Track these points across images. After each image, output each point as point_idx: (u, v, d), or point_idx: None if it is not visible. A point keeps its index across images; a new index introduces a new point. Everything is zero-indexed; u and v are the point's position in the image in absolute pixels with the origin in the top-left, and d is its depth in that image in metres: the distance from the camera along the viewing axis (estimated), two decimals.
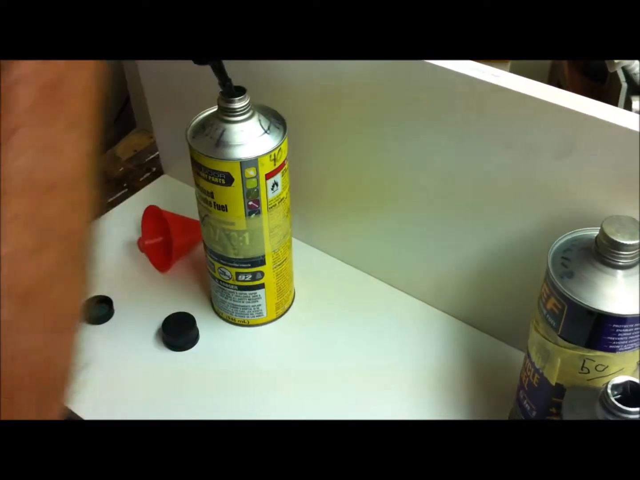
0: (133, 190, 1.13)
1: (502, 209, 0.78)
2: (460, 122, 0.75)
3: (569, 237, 0.67)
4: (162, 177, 1.14)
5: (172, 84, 0.99)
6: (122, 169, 1.18)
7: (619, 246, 0.61)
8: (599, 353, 0.63)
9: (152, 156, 1.20)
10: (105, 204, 1.10)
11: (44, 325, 0.40)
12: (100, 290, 0.93)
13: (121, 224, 1.05)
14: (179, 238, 0.96)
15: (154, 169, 1.17)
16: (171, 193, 1.10)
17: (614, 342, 0.62)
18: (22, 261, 0.39)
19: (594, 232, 0.65)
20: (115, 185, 1.15)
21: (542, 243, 0.69)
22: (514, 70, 1.71)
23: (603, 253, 0.62)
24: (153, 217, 0.98)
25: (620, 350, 0.62)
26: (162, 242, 1.00)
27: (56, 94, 0.41)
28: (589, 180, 0.70)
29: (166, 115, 1.07)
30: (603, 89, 1.47)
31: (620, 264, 0.62)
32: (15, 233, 0.39)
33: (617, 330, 0.61)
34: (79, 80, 0.42)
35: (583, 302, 0.61)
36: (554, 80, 1.72)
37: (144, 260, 0.99)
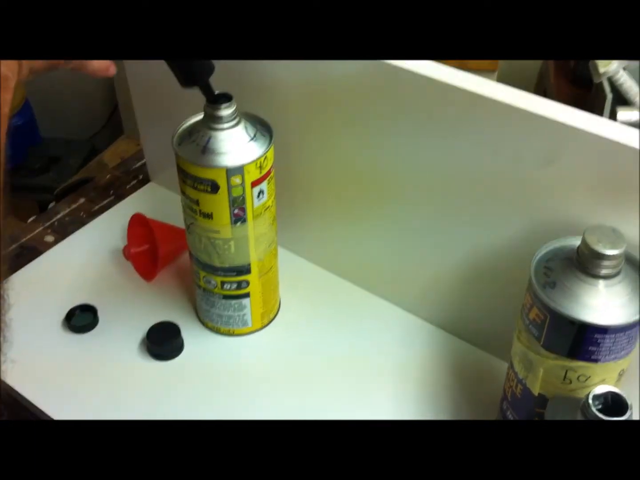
0: (120, 197, 1.12)
1: (485, 217, 0.78)
2: (447, 130, 0.76)
3: (552, 246, 0.67)
4: (148, 184, 1.14)
5: (159, 91, 0.99)
6: (108, 176, 1.18)
7: (600, 256, 0.62)
8: (581, 363, 0.63)
9: (139, 164, 1.19)
10: (92, 211, 1.10)
11: None
12: (85, 298, 0.93)
13: (107, 231, 1.05)
14: (165, 246, 0.96)
15: (141, 176, 1.17)
16: (157, 201, 1.10)
17: (596, 353, 0.62)
18: None
19: (577, 241, 0.65)
20: (101, 192, 1.14)
21: (526, 252, 0.69)
22: (501, 77, 1.73)
23: (585, 263, 0.63)
24: (139, 225, 0.98)
25: (602, 361, 0.63)
26: (148, 250, 0.99)
27: None
28: (572, 189, 0.70)
29: (153, 123, 1.07)
30: (589, 97, 1.48)
31: (602, 274, 0.62)
32: None
33: (599, 340, 0.61)
34: None
35: (565, 312, 0.61)
36: (542, 88, 1.73)
37: (130, 268, 0.99)
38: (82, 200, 1.13)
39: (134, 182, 1.16)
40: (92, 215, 1.09)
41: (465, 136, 0.74)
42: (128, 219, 1.00)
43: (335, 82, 0.81)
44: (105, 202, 1.12)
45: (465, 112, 0.73)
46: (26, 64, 0.55)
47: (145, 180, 1.15)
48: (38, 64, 0.57)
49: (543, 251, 0.67)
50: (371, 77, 0.78)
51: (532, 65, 1.79)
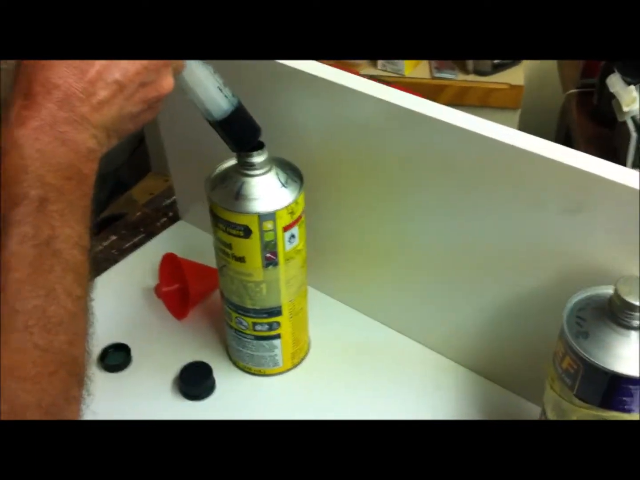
0: (150, 235, 1.14)
1: (513, 263, 0.79)
2: (471, 178, 0.77)
3: (583, 295, 0.68)
4: (178, 222, 1.15)
5: (189, 130, 1.00)
6: (139, 213, 1.20)
7: (632, 307, 0.62)
8: (614, 414, 0.64)
9: (168, 201, 1.21)
10: (123, 248, 1.12)
11: None
12: (118, 337, 0.95)
13: (138, 269, 1.06)
14: (196, 285, 0.97)
15: (171, 213, 1.18)
16: (188, 239, 1.11)
17: (629, 403, 0.63)
18: (45, 383, 0.49)
19: (608, 289, 0.66)
20: (132, 229, 1.16)
21: (555, 297, 0.70)
22: (524, 115, 1.74)
23: (617, 313, 0.63)
24: (170, 265, 1.00)
25: (636, 411, 0.63)
26: (179, 289, 1.01)
27: (50, 247, 0.50)
28: (599, 237, 0.71)
29: (183, 162, 1.08)
30: (613, 135, 1.49)
31: (634, 325, 0.63)
32: (38, 359, 0.48)
33: (632, 391, 0.62)
34: (70, 230, 0.52)
35: (599, 364, 0.62)
36: (564, 124, 1.75)
37: (161, 307, 1.00)
38: (113, 237, 1.15)
39: (164, 219, 1.18)
40: (124, 252, 1.11)
41: (490, 184, 0.75)
42: (159, 257, 1.02)
43: (362, 129, 0.82)
44: (136, 239, 1.14)
45: (489, 160, 0.74)
46: (115, 134, 0.58)
47: (175, 218, 1.17)
48: (127, 131, 0.60)
49: (574, 300, 0.67)
50: (395, 121, 0.79)
51: (554, 102, 1.80)
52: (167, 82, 0.60)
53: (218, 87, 0.70)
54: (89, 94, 0.54)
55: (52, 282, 0.50)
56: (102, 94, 0.55)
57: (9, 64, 0.58)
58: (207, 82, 0.69)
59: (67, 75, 0.53)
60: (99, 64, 0.55)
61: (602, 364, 0.62)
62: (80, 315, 0.53)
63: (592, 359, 0.62)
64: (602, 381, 0.62)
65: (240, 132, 0.74)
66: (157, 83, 0.59)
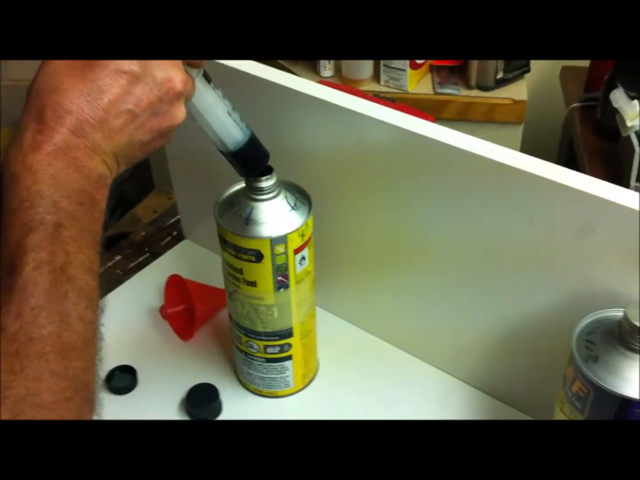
0: (154, 254, 1.14)
1: (522, 284, 0.79)
2: (481, 200, 0.77)
3: (592, 318, 0.68)
4: (183, 242, 1.16)
5: (193, 149, 1.01)
6: (143, 232, 1.20)
7: None
8: None
9: (172, 220, 1.21)
10: (128, 269, 1.12)
11: None
12: (124, 359, 0.95)
13: (143, 290, 1.07)
14: (201, 306, 0.97)
15: (175, 232, 1.19)
16: (192, 259, 1.12)
17: None
18: (62, 409, 0.49)
19: (617, 313, 0.66)
20: (136, 249, 1.16)
21: (564, 319, 0.70)
22: (527, 130, 1.74)
23: (626, 338, 0.64)
24: (175, 286, 1.00)
25: None
26: (185, 310, 1.01)
27: (65, 273, 0.51)
28: (608, 260, 0.71)
29: (188, 181, 1.09)
30: (616, 149, 1.50)
31: None
32: (55, 385, 0.48)
33: None
34: (83, 256, 0.52)
35: (609, 388, 0.62)
36: (567, 137, 1.75)
37: (167, 328, 1.00)
38: (118, 257, 1.15)
39: (168, 238, 1.18)
40: (128, 272, 1.11)
41: (501, 206, 0.76)
42: (163, 277, 1.02)
43: (368, 151, 0.83)
44: (140, 259, 1.14)
45: (499, 184, 0.74)
46: (124, 161, 0.58)
47: (180, 237, 1.17)
48: (136, 158, 0.60)
49: (583, 324, 0.68)
50: (404, 146, 0.79)
51: (558, 116, 1.81)
52: (180, 112, 0.61)
53: (227, 112, 0.70)
54: (101, 121, 0.55)
55: (67, 308, 0.51)
56: (114, 122, 0.56)
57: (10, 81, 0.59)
58: (216, 107, 0.69)
59: (79, 101, 0.54)
60: (111, 93, 0.55)
61: (612, 388, 0.62)
62: (92, 340, 0.53)
63: (602, 384, 0.63)
64: (612, 405, 0.63)
65: (251, 160, 0.75)
66: (170, 113, 0.60)
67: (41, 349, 0.49)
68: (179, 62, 0.59)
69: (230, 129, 0.71)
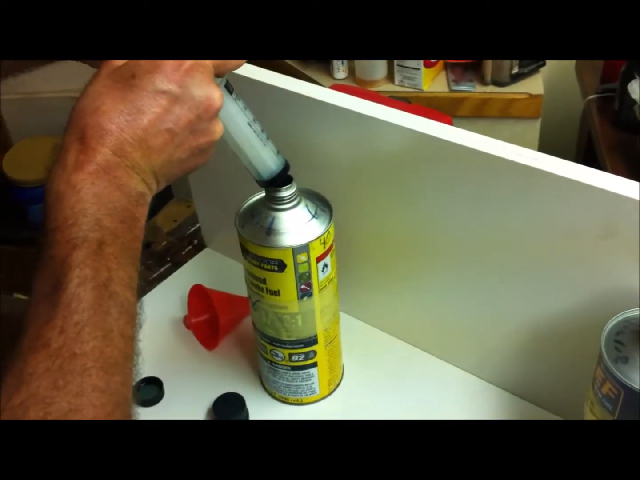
0: (176, 264, 1.15)
1: (548, 284, 0.78)
2: (502, 203, 0.77)
3: (620, 318, 0.68)
4: (204, 250, 1.16)
5: (212, 159, 1.01)
6: (164, 242, 1.20)
7: None
8: None
9: (193, 229, 1.22)
10: (150, 279, 1.12)
11: None
12: (149, 370, 0.95)
13: (166, 300, 1.07)
14: (225, 315, 0.97)
15: (196, 241, 1.19)
16: (214, 267, 1.12)
17: None
18: None
19: None
20: (158, 259, 1.16)
21: (591, 319, 0.70)
22: (544, 124, 1.73)
23: None
24: (198, 296, 1.00)
25: None
26: (209, 320, 1.01)
27: (108, 290, 0.52)
28: (635, 259, 0.70)
29: (207, 190, 1.09)
30: (636, 140, 1.48)
31: None
32: (96, 400, 0.49)
33: None
34: (124, 273, 0.54)
35: (639, 389, 0.61)
36: (585, 130, 1.74)
37: (191, 338, 1.01)
38: (140, 268, 1.15)
39: (189, 247, 1.19)
40: (151, 283, 1.11)
41: (523, 207, 0.75)
42: (186, 287, 1.02)
43: (386, 155, 0.82)
44: (162, 269, 1.15)
45: (520, 185, 0.74)
46: (163, 179, 0.60)
47: (201, 246, 1.17)
48: (175, 175, 0.61)
49: (611, 324, 0.67)
50: (423, 150, 0.79)
51: (575, 109, 1.80)
52: (219, 128, 0.62)
53: (248, 123, 0.70)
54: (140, 140, 0.56)
55: (109, 324, 0.52)
56: (154, 141, 0.57)
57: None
58: (237, 118, 0.69)
59: (119, 121, 0.55)
60: (150, 113, 0.56)
61: None
62: (132, 355, 0.54)
63: (632, 385, 0.62)
64: None
65: (277, 180, 0.76)
66: (208, 129, 0.61)
67: (84, 364, 0.49)
68: (212, 78, 0.60)
69: (266, 160, 0.73)
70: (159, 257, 1.17)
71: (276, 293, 0.80)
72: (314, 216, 0.78)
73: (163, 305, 1.06)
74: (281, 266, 0.77)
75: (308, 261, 0.78)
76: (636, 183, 0.69)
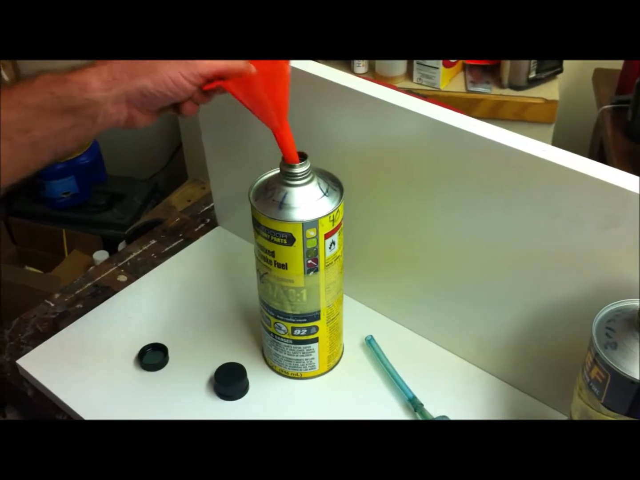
0: (188, 240, 1.17)
1: (545, 275, 0.81)
2: (508, 192, 0.79)
3: (613, 307, 0.70)
4: (216, 229, 1.19)
5: (230, 136, 1.03)
6: (177, 219, 1.23)
7: None
8: None
9: (206, 207, 1.24)
10: (162, 252, 1.15)
11: None
12: (156, 337, 0.98)
13: (177, 273, 1.10)
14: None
15: (208, 220, 1.22)
16: (225, 245, 1.15)
17: None
18: None
19: (637, 302, 0.68)
20: (171, 234, 1.19)
21: (585, 310, 0.72)
22: (558, 130, 1.75)
23: None
24: None
25: None
26: None
27: None
28: (632, 252, 0.72)
29: (223, 169, 1.11)
30: None
31: None
32: None
33: None
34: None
35: (626, 373, 0.64)
36: (597, 139, 1.76)
37: (198, 309, 1.03)
38: (152, 242, 1.18)
39: (202, 225, 1.21)
40: (162, 256, 1.14)
41: (527, 197, 0.78)
42: (196, 261, 1.07)
43: (398, 141, 0.85)
44: (174, 244, 1.17)
45: (527, 175, 0.76)
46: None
47: (213, 224, 1.20)
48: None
49: (604, 312, 0.69)
50: (432, 137, 0.82)
51: (589, 117, 1.81)
52: None
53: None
54: None
55: None
56: None
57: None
58: None
59: None
60: None
61: (629, 374, 0.64)
62: None
63: (620, 369, 0.64)
64: (629, 390, 0.64)
65: None
66: None
67: None
68: None
69: None
70: (172, 232, 1.20)
71: (284, 266, 0.83)
72: (325, 194, 0.81)
73: (173, 278, 1.09)
74: (290, 240, 0.80)
75: (316, 237, 0.80)
76: (635, 177, 0.71)
